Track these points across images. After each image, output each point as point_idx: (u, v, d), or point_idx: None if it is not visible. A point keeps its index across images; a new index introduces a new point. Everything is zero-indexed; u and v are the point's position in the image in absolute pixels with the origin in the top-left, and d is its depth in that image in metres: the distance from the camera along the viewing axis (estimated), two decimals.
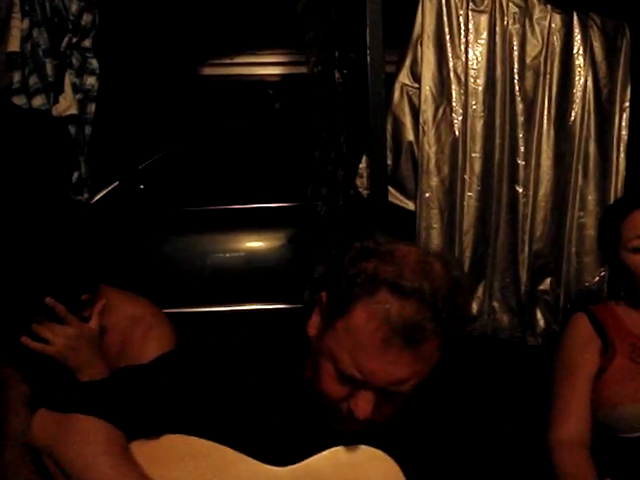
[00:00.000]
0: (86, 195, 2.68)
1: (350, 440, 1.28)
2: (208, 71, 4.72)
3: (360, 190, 2.71)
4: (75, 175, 2.65)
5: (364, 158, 2.69)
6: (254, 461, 1.26)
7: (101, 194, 3.98)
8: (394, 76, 2.74)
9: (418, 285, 1.14)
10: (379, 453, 1.27)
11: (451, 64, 2.69)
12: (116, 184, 4.07)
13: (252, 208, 4.14)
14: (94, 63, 2.65)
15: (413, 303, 1.13)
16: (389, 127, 2.69)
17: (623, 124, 2.80)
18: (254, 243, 4.14)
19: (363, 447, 1.28)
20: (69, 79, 2.59)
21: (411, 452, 1.32)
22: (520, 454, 2.15)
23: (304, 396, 1.27)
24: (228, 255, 4.10)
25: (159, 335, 1.94)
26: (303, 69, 3.29)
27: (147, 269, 3.94)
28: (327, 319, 1.22)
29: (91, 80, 2.64)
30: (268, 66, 4.80)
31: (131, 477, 1.20)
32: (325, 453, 1.27)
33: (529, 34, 2.72)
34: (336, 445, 1.27)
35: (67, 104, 2.57)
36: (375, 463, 1.27)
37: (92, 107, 2.66)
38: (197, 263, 4.05)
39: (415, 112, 2.70)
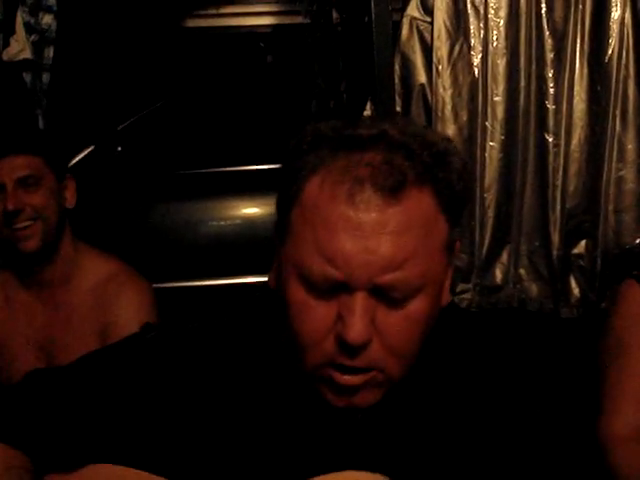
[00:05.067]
0: None
1: (345, 463, 0.91)
2: (193, 23, 4.48)
3: None
4: None
5: (369, 105, 2.48)
6: None
7: (75, 160, 3.74)
8: (402, 9, 2.52)
9: (379, 130, 0.88)
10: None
11: None
12: (92, 148, 3.85)
13: (244, 170, 3.95)
14: None
15: (379, 148, 0.86)
16: (397, 68, 2.50)
17: None
18: (249, 209, 3.97)
19: (358, 473, 0.91)
20: (21, 17, 2.33)
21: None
22: (564, 453, 1.84)
23: (283, 397, 0.93)
24: (221, 223, 3.94)
25: (133, 292, 1.89)
26: (297, 19, 3.13)
27: (130, 240, 3.70)
28: (280, 234, 0.92)
29: (47, 19, 2.40)
30: (258, 16, 4.59)
31: None
32: None
33: None
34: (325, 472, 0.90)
35: (19, 47, 2.37)
36: None
37: (50, 51, 2.42)
38: (187, 232, 3.89)
39: (427, 50, 2.50)
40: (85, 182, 3.59)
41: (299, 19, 3.08)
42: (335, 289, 0.84)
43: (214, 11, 4.42)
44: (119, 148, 3.92)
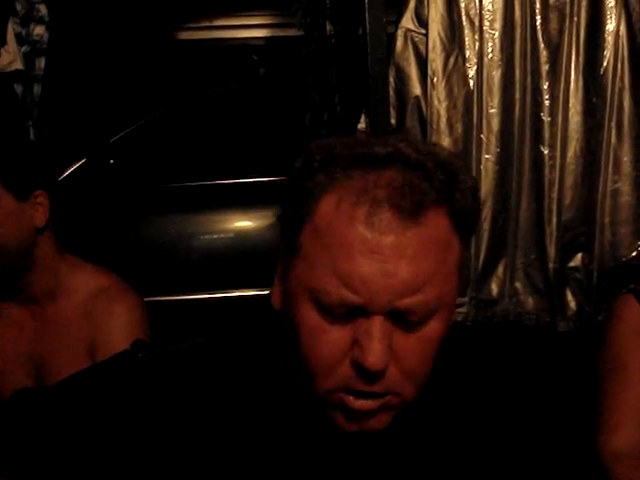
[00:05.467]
0: None
1: None
2: (185, 35, 4.44)
3: None
4: None
5: (363, 117, 2.43)
6: None
7: (67, 172, 3.69)
8: (396, 22, 2.48)
9: (394, 148, 0.84)
10: None
11: (463, 5, 2.43)
12: (84, 161, 3.82)
13: (238, 183, 3.93)
14: (42, 10, 2.38)
15: (396, 167, 0.83)
16: (392, 80, 2.45)
17: None
18: (241, 222, 3.97)
19: None
20: (12, 28, 2.30)
21: None
22: (564, 470, 1.83)
23: (294, 428, 0.89)
24: (213, 236, 3.93)
25: (124, 307, 1.82)
26: (289, 31, 3.10)
27: (122, 253, 3.67)
28: (288, 255, 0.87)
29: (39, 30, 2.36)
30: (251, 29, 4.56)
31: None
32: None
33: None
34: None
35: (11, 58, 2.32)
36: None
37: (41, 62, 2.38)
38: (179, 246, 3.88)
39: (422, 62, 2.46)
40: (77, 195, 3.60)
41: (292, 31, 3.03)
42: (351, 313, 0.81)
43: (207, 23, 4.39)
44: (111, 161, 3.87)
